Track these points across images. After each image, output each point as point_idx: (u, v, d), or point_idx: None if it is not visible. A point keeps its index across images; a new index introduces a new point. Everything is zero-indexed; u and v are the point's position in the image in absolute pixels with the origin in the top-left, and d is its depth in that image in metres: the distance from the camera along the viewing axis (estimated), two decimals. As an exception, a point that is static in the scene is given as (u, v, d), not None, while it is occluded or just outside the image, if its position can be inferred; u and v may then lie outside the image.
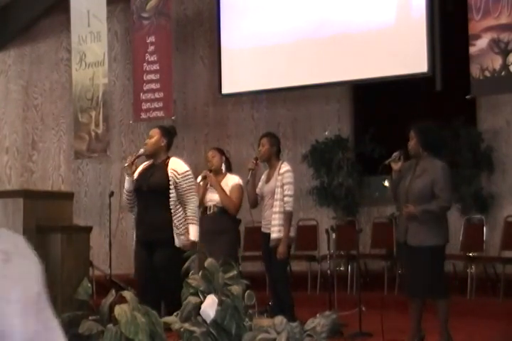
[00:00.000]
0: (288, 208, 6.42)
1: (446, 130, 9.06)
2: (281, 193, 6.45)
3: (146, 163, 6.05)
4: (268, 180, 6.61)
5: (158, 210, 5.75)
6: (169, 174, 5.80)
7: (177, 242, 5.74)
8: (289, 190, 6.46)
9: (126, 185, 5.92)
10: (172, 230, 5.73)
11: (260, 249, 6.94)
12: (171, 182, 5.78)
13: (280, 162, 6.64)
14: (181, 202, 5.81)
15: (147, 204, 5.82)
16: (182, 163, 5.99)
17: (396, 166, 5.79)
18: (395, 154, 5.84)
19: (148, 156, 6.02)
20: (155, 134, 5.99)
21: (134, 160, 5.98)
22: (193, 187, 5.89)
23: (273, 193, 6.48)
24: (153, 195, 5.77)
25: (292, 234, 6.59)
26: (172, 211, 5.75)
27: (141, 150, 6.05)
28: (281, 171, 6.50)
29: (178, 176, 5.80)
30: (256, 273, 8.94)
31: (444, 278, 5.98)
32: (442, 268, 6.07)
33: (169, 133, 6.10)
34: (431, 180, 5.63)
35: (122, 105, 11.47)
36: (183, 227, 5.79)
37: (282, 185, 6.44)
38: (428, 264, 5.58)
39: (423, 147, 5.72)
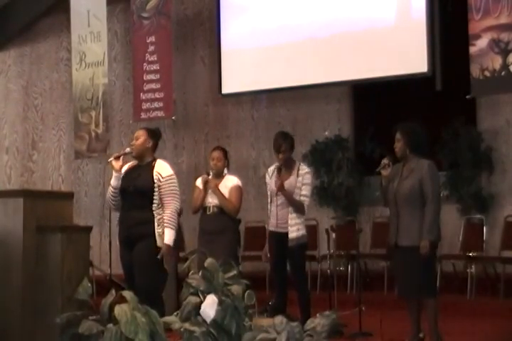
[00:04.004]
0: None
1: (446, 130, 9.07)
2: (299, 194, 6.55)
3: (131, 164, 6.05)
4: (283, 178, 6.62)
5: (141, 210, 5.78)
6: (154, 176, 5.82)
7: (158, 241, 5.75)
8: (306, 190, 6.58)
9: (113, 181, 5.94)
10: (152, 228, 5.73)
11: (262, 247, 6.94)
12: (155, 185, 5.80)
13: (298, 163, 6.70)
14: (162, 205, 5.82)
15: (132, 204, 5.85)
16: (167, 166, 5.99)
17: (385, 172, 5.84)
18: (384, 161, 5.87)
19: (134, 157, 6.04)
20: (141, 135, 6.01)
21: (120, 156, 5.99)
22: (175, 191, 5.86)
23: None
24: (138, 195, 5.80)
25: (304, 232, 6.64)
26: (155, 212, 5.76)
27: (128, 149, 6.05)
28: (302, 172, 6.60)
29: (162, 179, 5.82)
30: (256, 273, 8.95)
31: (433, 277, 5.98)
32: (434, 267, 6.07)
33: (155, 134, 6.10)
34: (418, 179, 5.65)
35: (122, 105, 11.47)
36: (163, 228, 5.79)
37: (301, 185, 6.55)
38: (420, 263, 5.58)
39: (410, 148, 5.75)
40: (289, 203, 6.52)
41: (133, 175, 5.94)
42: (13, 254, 5.20)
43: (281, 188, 6.47)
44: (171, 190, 5.83)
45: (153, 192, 5.78)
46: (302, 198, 6.55)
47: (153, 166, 5.90)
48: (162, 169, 5.89)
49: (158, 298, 5.58)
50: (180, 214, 7.27)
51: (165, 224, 5.75)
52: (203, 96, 10.97)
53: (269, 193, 6.77)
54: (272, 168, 6.79)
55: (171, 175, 5.89)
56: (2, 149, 12.49)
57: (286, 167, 6.65)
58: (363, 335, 6.42)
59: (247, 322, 4.25)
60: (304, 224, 6.62)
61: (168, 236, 5.74)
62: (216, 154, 6.99)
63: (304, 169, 6.65)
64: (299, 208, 6.55)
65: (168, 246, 5.73)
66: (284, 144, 6.62)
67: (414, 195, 5.64)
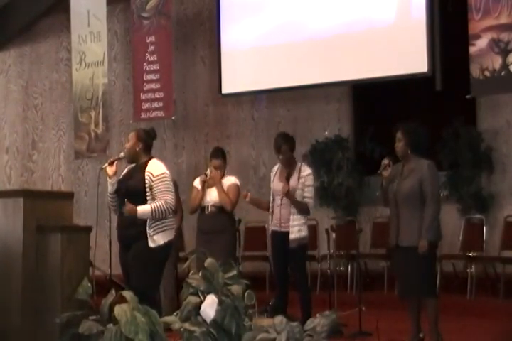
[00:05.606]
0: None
1: (446, 130, 9.07)
2: (301, 195, 6.57)
3: (130, 166, 6.01)
4: (283, 179, 6.61)
5: None
6: (146, 177, 5.73)
7: (150, 242, 5.68)
8: (309, 192, 6.61)
9: (109, 188, 5.89)
10: (144, 229, 5.66)
11: (262, 247, 6.95)
12: (146, 185, 5.69)
13: (300, 164, 6.70)
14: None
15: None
16: (160, 165, 5.84)
17: (386, 173, 5.84)
18: (384, 162, 5.87)
19: (128, 161, 5.99)
20: (130, 139, 5.95)
21: (113, 162, 5.93)
22: (168, 189, 5.72)
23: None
24: (130, 197, 5.68)
25: (305, 233, 6.63)
26: None
27: (121, 154, 5.99)
28: (304, 174, 6.62)
29: (153, 178, 5.69)
30: (256, 273, 8.95)
31: (433, 276, 5.98)
32: (433, 267, 6.08)
33: (146, 135, 5.98)
34: (418, 179, 5.66)
35: (122, 105, 11.47)
36: (156, 229, 5.71)
37: (304, 187, 6.57)
38: (420, 263, 5.58)
39: (411, 148, 5.76)
40: (294, 206, 6.53)
41: (127, 177, 5.90)
42: (13, 254, 5.20)
43: (287, 193, 6.49)
44: (163, 188, 5.69)
45: (145, 192, 5.68)
46: (306, 200, 6.58)
47: (146, 166, 5.82)
48: (154, 168, 5.76)
49: (152, 299, 5.55)
50: (181, 219, 7.27)
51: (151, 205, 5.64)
52: (203, 96, 10.96)
53: (271, 193, 6.77)
54: (275, 168, 6.80)
55: (163, 173, 5.74)
56: (2, 149, 12.48)
57: (287, 167, 6.66)
58: (363, 335, 6.42)
59: (247, 322, 4.25)
60: (306, 225, 6.62)
61: (142, 207, 5.61)
62: (217, 163, 7.01)
63: (306, 170, 6.65)
64: (303, 210, 6.58)
65: (134, 209, 5.60)
66: (284, 145, 6.62)
67: (414, 195, 5.64)
